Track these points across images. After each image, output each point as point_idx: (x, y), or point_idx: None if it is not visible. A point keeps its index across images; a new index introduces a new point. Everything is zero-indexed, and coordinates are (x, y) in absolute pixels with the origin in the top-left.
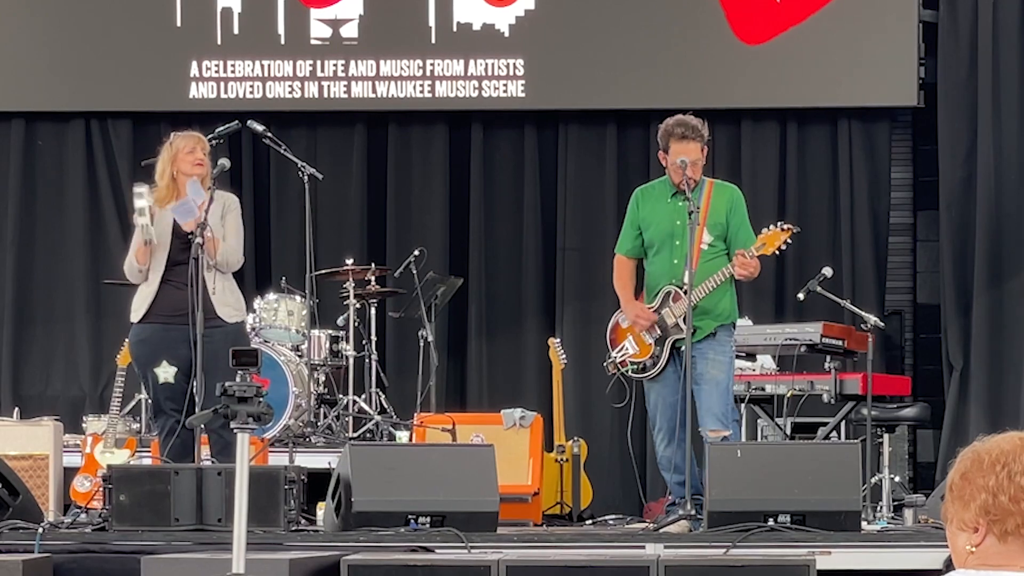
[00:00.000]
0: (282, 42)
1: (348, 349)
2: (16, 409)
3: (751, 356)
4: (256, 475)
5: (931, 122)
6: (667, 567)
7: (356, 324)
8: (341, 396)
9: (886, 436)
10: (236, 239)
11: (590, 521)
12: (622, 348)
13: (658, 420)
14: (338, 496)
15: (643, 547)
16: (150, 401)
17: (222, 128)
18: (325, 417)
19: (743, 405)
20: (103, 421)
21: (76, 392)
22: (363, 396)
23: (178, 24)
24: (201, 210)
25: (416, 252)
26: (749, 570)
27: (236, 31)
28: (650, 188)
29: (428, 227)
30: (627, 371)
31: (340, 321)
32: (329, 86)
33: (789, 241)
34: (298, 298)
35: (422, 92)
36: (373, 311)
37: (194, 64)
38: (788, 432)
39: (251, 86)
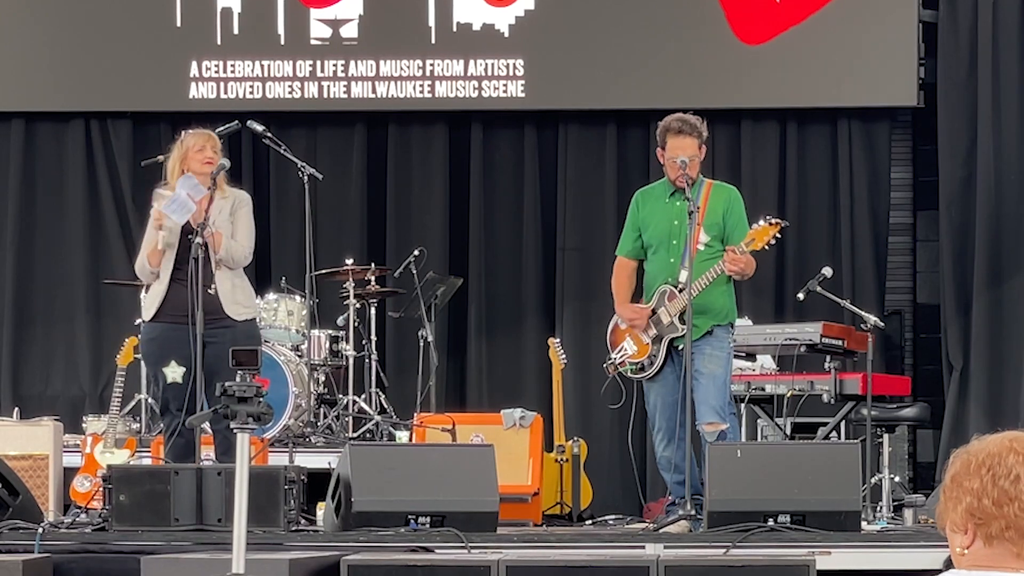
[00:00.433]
0: (282, 42)
1: (348, 349)
2: (16, 409)
3: (751, 356)
4: (256, 475)
5: (931, 122)
6: (667, 567)
7: (356, 324)
8: (341, 396)
9: (886, 436)
10: (245, 236)
11: (590, 521)
12: (621, 349)
13: (657, 420)
14: (338, 496)
15: (643, 547)
16: (157, 400)
17: (222, 128)
18: (325, 417)
19: (743, 405)
20: (103, 421)
21: (76, 392)
22: (363, 396)
23: (178, 24)
24: (200, 205)
25: (416, 252)
26: (749, 570)
27: (236, 31)
28: (650, 190)
29: (428, 227)
30: (626, 371)
31: (340, 321)
32: (329, 86)
33: (779, 236)
34: (298, 298)
35: (422, 92)
36: (373, 311)
37: (194, 64)
38: (788, 432)
39: (251, 86)
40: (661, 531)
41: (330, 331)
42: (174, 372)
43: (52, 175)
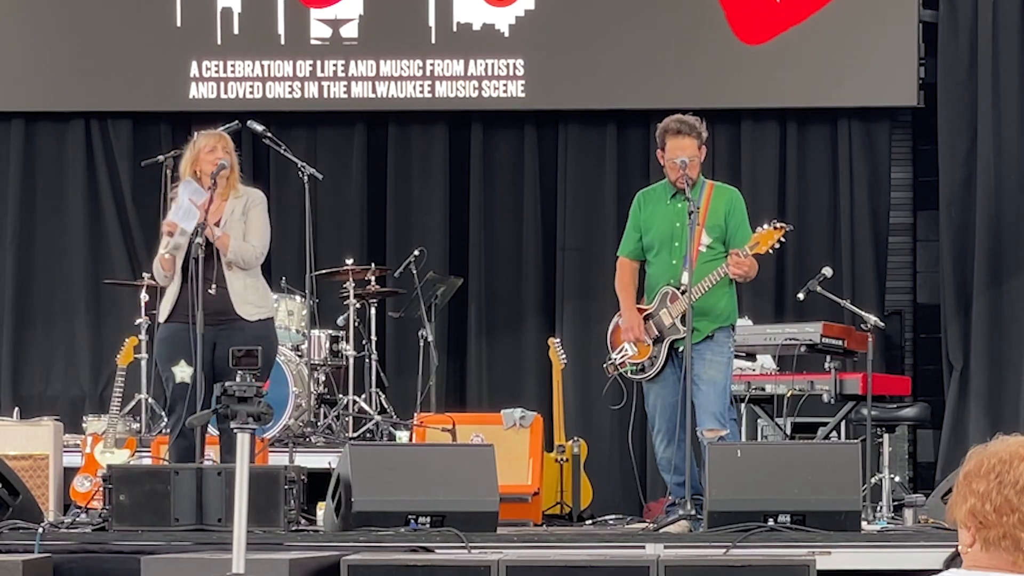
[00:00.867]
0: (282, 42)
1: (348, 349)
2: (16, 409)
3: (751, 356)
4: (256, 475)
5: (931, 122)
6: (667, 567)
7: (356, 324)
8: (341, 396)
9: (886, 436)
10: (258, 236)
11: (590, 521)
12: (622, 350)
13: (657, 421)
14: (338, 496)
15: (643, 547)
16: (166, 399)
17: (222, 128)
18: (325, 417)
19: (743, 405)
20: (103, 421)
21: (76, 392)
22: (363, 396)
23: (178, 24)
24: (202, 209)
25: (416, 252)
26: (749, 570)
27: (236, 31)
28: (651, 191)
29: (428, 227)
30: (626, 372)
31: (340, 321)
32: (329, 86)
33: (783, 239)
34: (298, 298)
35: (422, 92)
36: (373, 311)
37: (194, 64)
38: (788, 432)
39: (251, 86)
40: (661, 531)
41: (330, 331)
42: (183, 372)
43: (52, 175)
